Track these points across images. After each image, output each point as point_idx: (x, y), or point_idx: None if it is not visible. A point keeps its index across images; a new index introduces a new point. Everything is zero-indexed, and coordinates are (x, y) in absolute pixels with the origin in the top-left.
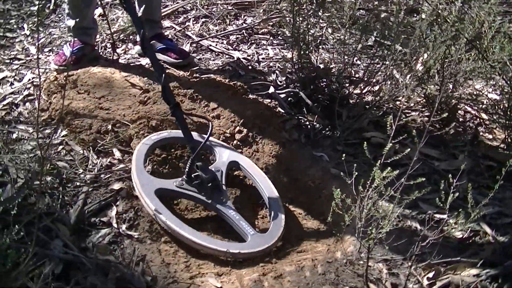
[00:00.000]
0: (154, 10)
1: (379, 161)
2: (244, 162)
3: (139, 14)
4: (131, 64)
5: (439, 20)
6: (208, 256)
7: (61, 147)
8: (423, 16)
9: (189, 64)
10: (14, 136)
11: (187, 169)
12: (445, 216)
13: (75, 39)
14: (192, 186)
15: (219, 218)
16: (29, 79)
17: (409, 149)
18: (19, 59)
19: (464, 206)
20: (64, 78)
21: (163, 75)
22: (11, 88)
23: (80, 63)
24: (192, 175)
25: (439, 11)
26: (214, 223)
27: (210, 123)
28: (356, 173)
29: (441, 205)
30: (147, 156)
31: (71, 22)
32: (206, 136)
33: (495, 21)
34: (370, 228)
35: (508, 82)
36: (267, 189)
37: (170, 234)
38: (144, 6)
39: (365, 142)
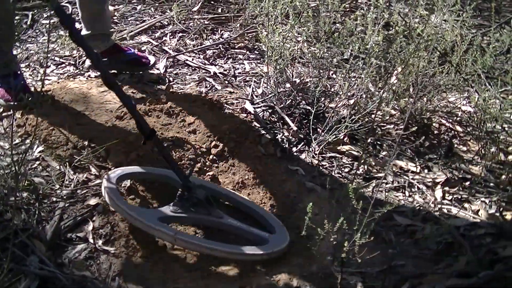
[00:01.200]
0: (105, 24)
1: (353, 174)
2: (207, 183)
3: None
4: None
5: (412, 33)
6: (183, 272)
7: (37, 162)
8: (397, 29)
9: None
10: None
11: (179, 193)
12: (419, 228)
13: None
14: (188, 208)
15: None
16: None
17: (382, 162)
18: None
19: (437, 218)
20: (41, 94)
21: (134, 104)
22: None
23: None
24: (184, 197)
25: (412, 24)
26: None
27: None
28: (331, 187)
29: (415, 217)
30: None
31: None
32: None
33: (468, 34)
34: (343, 241)
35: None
36: (244, 200)
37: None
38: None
39: (339, 156)
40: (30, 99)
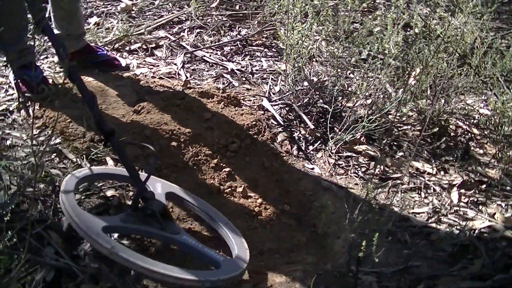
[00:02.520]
0: (78, 24)
1: (372, 174)
2: (180, 191)
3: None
4: (125, 73)
5: (432, 35)
6: (198, 265)
7: (54, 154)
8: (416, 30)
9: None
10: (8, 142)
11: (132, 202)
12: (434, 230)
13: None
14: (140, 219)
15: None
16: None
17: (399, 163)
18: None
19: (453, 220)
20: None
21: (94, 101)
22: (6, 95)
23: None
24: (139, 207)
25: (432, 26)
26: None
27: (155, 152)
28: (347, 186)
29: (432, 218)
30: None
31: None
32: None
33: (487, 37)
34: (360, 240)
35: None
36: (212, 212)
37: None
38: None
39: (356, 156)
40: (49, 91)
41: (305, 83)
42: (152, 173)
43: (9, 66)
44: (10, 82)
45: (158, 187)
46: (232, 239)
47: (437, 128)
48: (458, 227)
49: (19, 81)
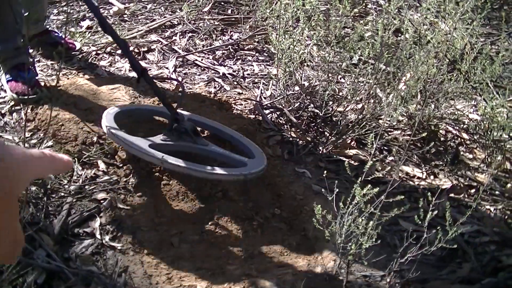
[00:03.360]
0: (42, 8)
1: (360, 178)
2: (200, 117)
3: None
4: (118, 77)
5: (422, 40)
6: (189, 269)
7: None
8: (407, 36)
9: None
10: None
11: (168, 124)
12: (423, 234)
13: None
14: (176, 137)
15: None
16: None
17: (389, 167)
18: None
19: (442, 224)
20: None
21: (127, 45)
22: None
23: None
24: (173, 128)
25: (422, 31)
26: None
27: (182, 84)
28: (337, 190)
29: (420, 222)
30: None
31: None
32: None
33: (477, 42)
34: (350, 244)
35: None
36: (228, 130)
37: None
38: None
39: (346, 160)
40: (42, 94)
41: (296, 88)
42: (181, 100)
43: (0, 66)
44: (1, 84)
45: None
46: (249, 146)
47: (426, 133)
48: (447, 232)
49: (11, 81)
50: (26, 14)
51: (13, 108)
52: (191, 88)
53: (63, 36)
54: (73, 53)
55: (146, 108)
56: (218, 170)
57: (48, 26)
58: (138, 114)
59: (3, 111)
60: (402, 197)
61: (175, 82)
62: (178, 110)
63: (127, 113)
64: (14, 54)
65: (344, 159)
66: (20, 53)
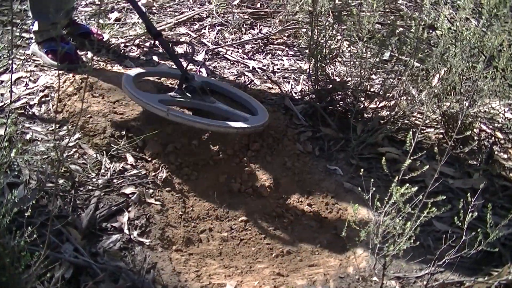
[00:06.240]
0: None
1: (397, 177)
2: (212, 80)
3: None
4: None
5: (457, 37)
6: (218, 267)
7: (74, 150)
8: (440, 32)
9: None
10: (28, 137)
11: (178, 82)
12: (458, 235)
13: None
14: (185, 94)
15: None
16: (45, 82)
17: (427, 166)
18: (34, 60)
19: (478, 226)
20: (81, 81)
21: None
22: (26, 88)
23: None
24: (184, 86)
25: (458, 28)
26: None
27: (192, 46)
28: (374, 189)
29: (459, 224)
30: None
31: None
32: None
33: None
34: (387, 244)
35: None
36: (235, 90)
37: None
38: None
39: (383, 158)
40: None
41: (327, 83)
42: (191, 60)
43: (34, 38)
44: (32, 54)
45: (195, 77)
46: (254, 104)
47: (469, 132)
48: (482, 233)
49: (48, 51)
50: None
51: (42, 100)
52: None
53: (91, 28)
54: (101, 44)
55: (164, 71)
56: (217, 123)
57: (76, 18)
58: (157, 75)
59: (31, 102)
60: (443, 197)
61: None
62: (198, 75)
63: (146, 74)
64: (52, 28)
65: (377, 156)
66: (57, 27)
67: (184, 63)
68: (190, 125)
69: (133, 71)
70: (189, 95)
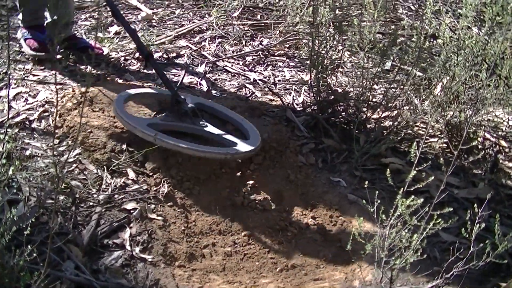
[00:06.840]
0: (71, 13)
1: (402, 188)
2: (206, 101)
3: None
4: (146, 85)
5: (459, 45)
6: (221, 283)
7: (74, 165)
8: (441, 41)
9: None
10: (28, 153)
11: (170, 105)
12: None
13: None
14: (176, 118)
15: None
16: (45, 97)
17: (433, 177)
18: (34, 75)
19: (486, 237)
20: (81, 96)
21: (135, 32)
22: (26, 104)
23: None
24: (174, 109)
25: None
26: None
27: (187, 67)
28: (379, 201)
29: (466, 234)
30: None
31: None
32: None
33: None
34: (394, 258)
35: None
36: (229, 112)
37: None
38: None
39: (386, 169)
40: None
41: (329, 94)
42: (182, 82)
43: (20, 24)
44: (18, 39)
45: (188, 100)
46: (246, 127)
47: (475, 142)
48: (490, 244)
49: (28, 39)
50: (55, 17)
51: (42, 115)
52: (221, 95)
53: (90, 42)
54: (101, 58)
55: (155, 92)
56: (205, 148)
57: (75, 32)
58: (148, 96)
59: (31, 118)
60: (451, 209)
61: (205, 88)
62: (192, 95)
63: (138, 96)
64: (34, 16)
65: (380, 167)
66: (38, 16)
67: (180, 80)
68: (177, 150)
69: (125, 94)
70: (180, 118)
